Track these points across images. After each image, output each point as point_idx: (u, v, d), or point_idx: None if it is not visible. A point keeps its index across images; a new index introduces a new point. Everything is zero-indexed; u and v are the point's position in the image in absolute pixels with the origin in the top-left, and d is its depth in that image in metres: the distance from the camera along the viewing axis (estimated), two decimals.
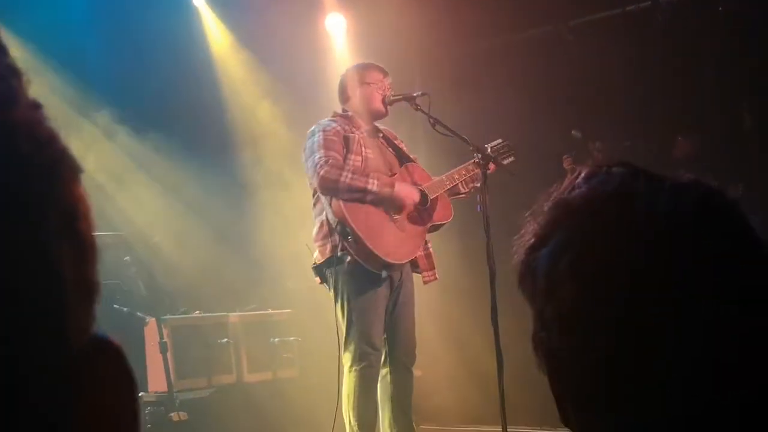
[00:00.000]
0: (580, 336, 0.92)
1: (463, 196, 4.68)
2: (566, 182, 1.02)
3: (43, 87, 6.77)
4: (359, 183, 4.24)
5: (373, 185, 4.26)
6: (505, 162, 4.63)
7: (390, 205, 4.32)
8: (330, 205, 4.28)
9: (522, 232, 1.03)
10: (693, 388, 0.87)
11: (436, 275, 4.53)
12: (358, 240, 4.19)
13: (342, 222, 4.22)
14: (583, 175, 1.01)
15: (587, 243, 0.93)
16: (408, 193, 4.36)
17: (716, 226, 0.92)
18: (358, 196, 4.25)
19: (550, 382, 0.97)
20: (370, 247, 4.19)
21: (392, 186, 4.32)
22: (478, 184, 4.41)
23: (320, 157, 4.26)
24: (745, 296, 0.89)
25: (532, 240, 0.99)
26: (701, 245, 0.90)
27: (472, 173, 4.53)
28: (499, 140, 4.75)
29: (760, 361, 0.87)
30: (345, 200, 4.23)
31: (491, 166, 4.38)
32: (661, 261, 0.89)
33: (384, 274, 4.31)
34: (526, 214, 1.03)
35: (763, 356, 0.87)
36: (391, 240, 4.30)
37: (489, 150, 4.59)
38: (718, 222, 0.93)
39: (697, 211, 0.92)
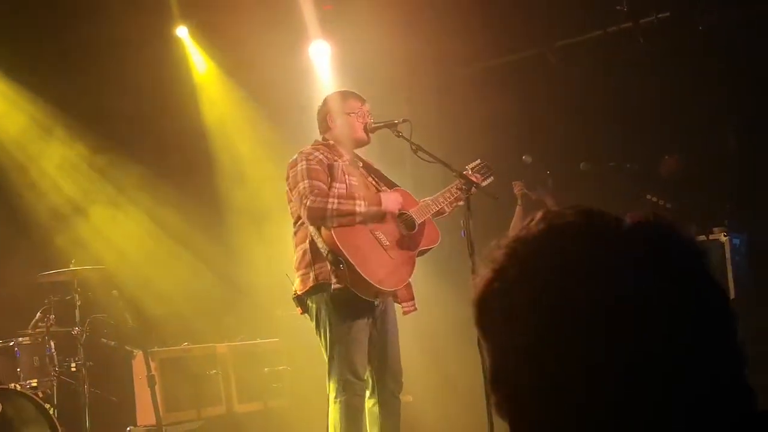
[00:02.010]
0: (534, 368, 0.93)
1: (446, 214, 4.68)
2: (523, 225, 1.03)
3: (24, 117, 6.78)
4: (347, 207, 4.24)
5: (360, 206, 4.26)
6: (485, 183, 4.63)
7: (381, 219, 4.33)
8: (320, 233, 4.26)
9: (479, 270, 1.04)
10: (644, 416, 0.89)
11: (416, 305, 4.51)
12: (351, 268, 4.17)
13: (333, 250, 4.20)
14: (537, 217, 1.03)
15: (541, 279, 0.94)
16: (394, 201, 4.41)
17: (667, 265, 0.94)
18: (348, 220, 4.24)
19: (510, 422, 0.97)
20: (363, 274, 4.17)
21: (379, 203, 4.34)
22: (461, 203, 4.42)
23: (305, 187, 4.25)
24: (697, 330, 0.91)
25: (488, 275, 0.99)
26: (651, 282, 0.92)
27: (456, 195, 4.53)
28: (477, 161, 4.75)
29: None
30: (335, 227, 4.22)
31: (473, 189, 4.38)
32: (614, 293, 0.91)
33: (377, 301, 4.30)
34: (481, 255, 1.06)
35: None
36: (383, 267, 4.29)
37: (469, 171, 4.59)
38: (669, 260, 0.94)
39: (648, 249, 0.94)
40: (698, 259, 0.96)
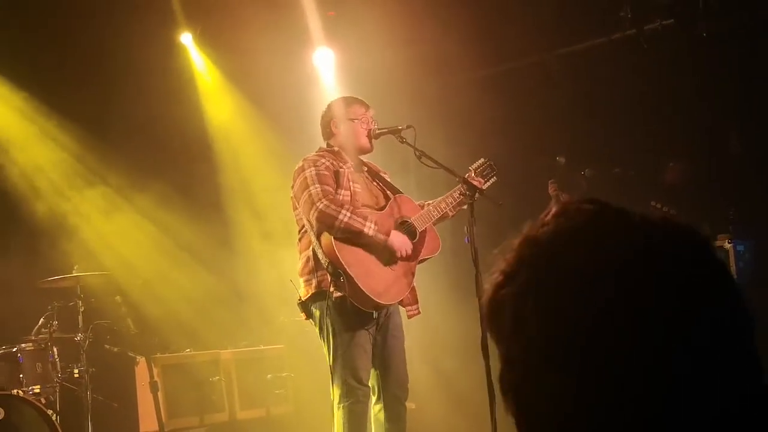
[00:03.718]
0: (543, 373, 0.91)
1: (449, 218, 4.66)
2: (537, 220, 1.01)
3: (28, 124, 6.80)
4: (357, 225, 4.19)
5: (369, 229, 4.21)
6: (488, 183, 4.60)
7: (381, 251, 4.29)
8: (320, 242, 4.24)
9: (492, 269, 1.02)
10: (656, 425, 0.87)
11: (419, 309, 4.49)
12: (350, 280, 4.15)
13: (333, 262, 4.17)
14: (552, 212, 1.00)
15: (553, 281, 0.92)
16: (401, 244, 4.32)
17: (685, 265, 0.91)
18: (352, 237, 4.21)
19: (517, 426, 0.95)
20: (362, 288, 4.16)
21: (387, 235, 4.28)
22: (465, 206, 4.40)
23: (317, 192, 4.21)
24: (715, 333, 0.88)
25: (500, 278, 0.98)
26: (669, 283, 0.89)
27: (459, 200, 4.50)
28: (481, 160, 4.70)
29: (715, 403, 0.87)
30: (337, 239, 4.19)
31: (477, 196, 4.36)
32: (627, 299, 0.88)
33: (375, 314, 4.29)
34: (495, 251, 1.02)
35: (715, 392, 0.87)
36: (383, 280, 4.27)
37: (472, 173, 4.57)
38: (688, 260, 0.92)
39: (666, 250, 0.92)
40: (717, 263, 0.93)
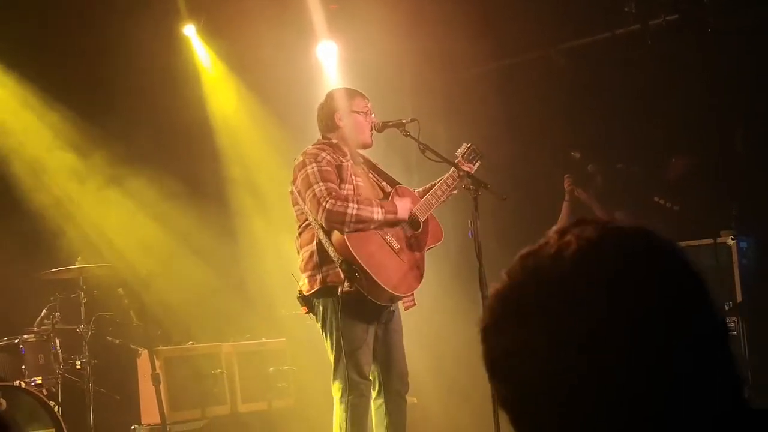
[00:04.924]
0: (545, 372, 0.93)
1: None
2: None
3: (32, 116, 6.80)
4: (366, 213, 4.17)
5: (378, 214, 4.21)
6: (474, 166, 4.58)
7: (380, 243, 4.28)
8: (331, 240, 4.18)
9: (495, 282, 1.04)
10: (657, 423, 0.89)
11: (415, 300, 4.48)
12: (367, 276, 4.12)
13: (348, 259, 4.12)
14: (551, 238, 1.01)
15: (555, 291, 0.94)
16: (406, 207, 4.35)
17: (664, 275, 0.94)
18: (365, 226, 4.19)
19: (514, 423, 0.97)
20: (380, 282, 4.14)
21: (395, 210, 4.30)
22: (455, 191, 4.43)
23: (321, 190, 4.16)
24: (713, 333, 0.92)
25: (503, 282, 0.99)
26: (649, 294, 0.92)
27: (452, 185, 4.48)
28: (464, 145, 4.63)
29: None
30: (348, 233, 4.16)
31: (480, 190, 4.35)
32: (627, 301, 0.91)
33: (393, 306, 4.30)
34: (502, 272, 1.03)
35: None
36: (397, 272, 4.26)
37: (460, 158, 4.54)
38: (665, 271, 0.94)
39: (642, 260, 0.94)
40: (695, 276, 0.95)
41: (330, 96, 4.56)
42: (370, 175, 4.54)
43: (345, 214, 4.12)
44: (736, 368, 0.93)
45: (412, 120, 4.48)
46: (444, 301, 6.14)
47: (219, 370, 6.46)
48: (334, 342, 4.26)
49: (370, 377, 4.34)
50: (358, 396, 4.24)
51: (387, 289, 4.16)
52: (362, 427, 4.27)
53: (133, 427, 6.16)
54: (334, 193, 4.16)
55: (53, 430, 5.14)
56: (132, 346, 6.15)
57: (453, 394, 6.48)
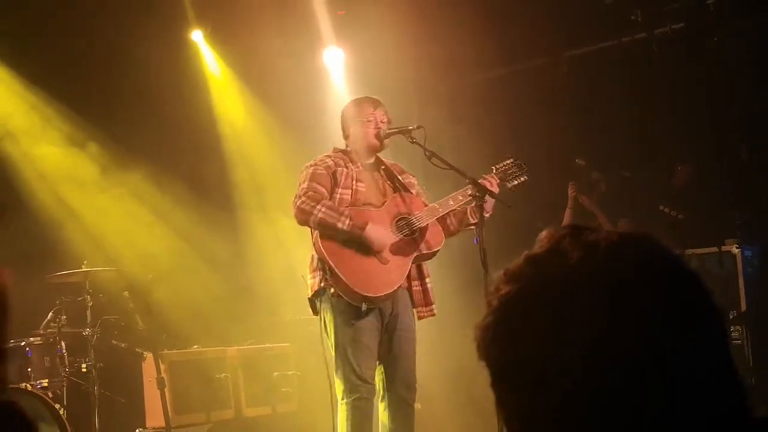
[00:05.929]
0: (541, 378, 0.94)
1: (472, 226, 4.54)
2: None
3: (38, 119, 6.83)
4: (331, 220, 4.23)
5: (343, 224, 4.22)
6: (515, 183, 4.58)
7: (361, 244, 4.29)
8: (312, 239, 4.32)
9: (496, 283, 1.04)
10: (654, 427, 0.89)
11: (434, 311, 4.48)
12: (335, 275, 4.22)
13: (320, 258, 4.27)
14: (542, 244, 1.02)
15: (557, 296, 0.95)
16: (377, 237, 4.28)
17: (657, 286, 0.94)
18: (330, 232, 4.26)
19: (508, 426, 0.99)
20: (348, 282, 4.21)
21: (363, 228, 4.26)
22: (473, 204, 4.38)
23: (302, 189, 4.31)
24: (694, 349, 0.91)
25: (505, 283, 1.00)
26: (639, 305, 0.92)
27: (467, 200, 4.46)
28: (509, 160, 4.63)
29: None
30: (321, 235, 4.26)
31: (488, 199, 4.35)
32: (626, 304, 0.92)
33: (364, 306, 4.28)
34: (501, 272, 1.04)
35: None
36: (371, 273, 4.28)
37: (493, 172, 4.55)
38: (659, 281, 0.94)
39: (635, 271, 0.94)
40: (688, 277, 0.96)
41: (344, 107, 4.70)
42: (386, 183, 4.56)
43: (311, 214, 4.22)
44: (735, 374, 0.93)
45: (418, 127, 4.50)
46: (450, 307, 6.15)
47: (224, 374, 6.47)
48: (333, 343, 4.34)
49: (375, 382, 4.36)
50: (358, 398, 4.27)
51: (356, 290, 4.21)
52: (363, 429, 4.28)
53: (137, 430, 6.17)
54: (310, 193, 4.27)
55: None
56: (137, 350, 6.16)
57: (459, 401, 6.48)
